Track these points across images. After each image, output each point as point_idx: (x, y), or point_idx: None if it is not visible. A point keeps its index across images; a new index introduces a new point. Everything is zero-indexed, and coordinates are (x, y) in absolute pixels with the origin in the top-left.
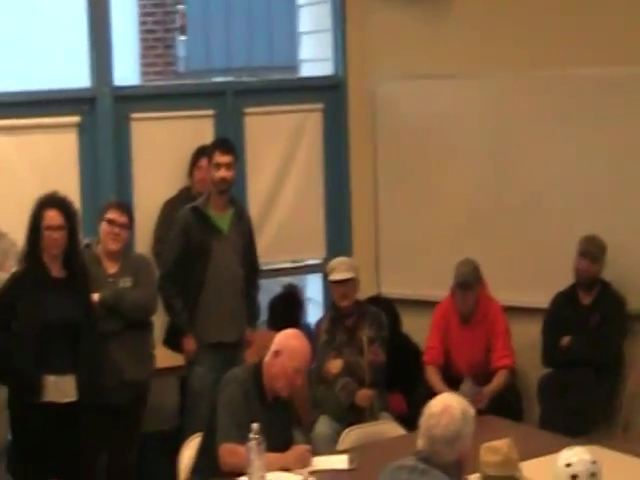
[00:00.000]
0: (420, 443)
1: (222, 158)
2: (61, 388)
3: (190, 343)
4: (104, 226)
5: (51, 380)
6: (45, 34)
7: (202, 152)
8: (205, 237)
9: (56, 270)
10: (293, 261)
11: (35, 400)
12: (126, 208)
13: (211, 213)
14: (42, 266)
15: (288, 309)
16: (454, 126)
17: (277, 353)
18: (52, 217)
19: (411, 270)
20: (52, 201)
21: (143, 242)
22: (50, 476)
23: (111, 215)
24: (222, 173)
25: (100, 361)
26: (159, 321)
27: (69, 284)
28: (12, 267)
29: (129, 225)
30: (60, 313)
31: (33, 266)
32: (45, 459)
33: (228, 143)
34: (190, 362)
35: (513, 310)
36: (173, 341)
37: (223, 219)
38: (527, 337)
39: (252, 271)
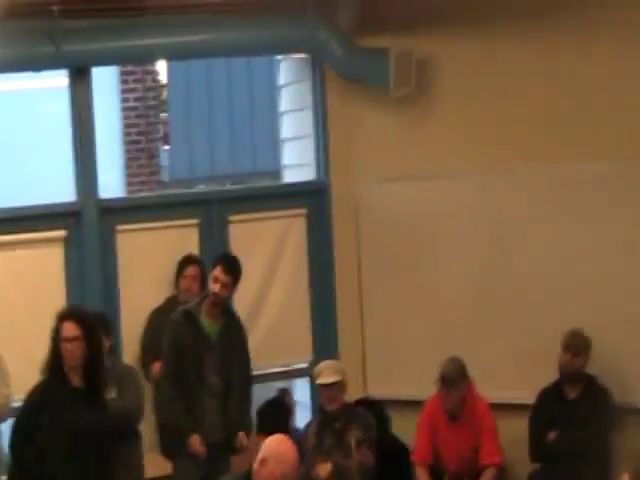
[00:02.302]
0: None
1: (221, 275)
2: None
3: (197, 443)
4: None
5: None
6: (29, 149)
7: (187, 261)
8: (193, 341)
9: (76, 381)
10: (281, 366)
11: None
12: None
13: (201, 319)
14: (63, 377)
15: (276, 414)
16: (438, 226)
17: (264, 460)
18: (67, 329)
19: (398, 370)
20: (68, 313)
21: (130, 351)
22: None
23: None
24: (216, 289)
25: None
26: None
27: (87, 395)
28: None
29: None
30: (75, 425)
31: (54, 377)
32: None
33: (233, 264)
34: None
35: (501, 407)
36: (170, 448)
37: (212, 327)
38: (515, 433)
39: (245, 380)
